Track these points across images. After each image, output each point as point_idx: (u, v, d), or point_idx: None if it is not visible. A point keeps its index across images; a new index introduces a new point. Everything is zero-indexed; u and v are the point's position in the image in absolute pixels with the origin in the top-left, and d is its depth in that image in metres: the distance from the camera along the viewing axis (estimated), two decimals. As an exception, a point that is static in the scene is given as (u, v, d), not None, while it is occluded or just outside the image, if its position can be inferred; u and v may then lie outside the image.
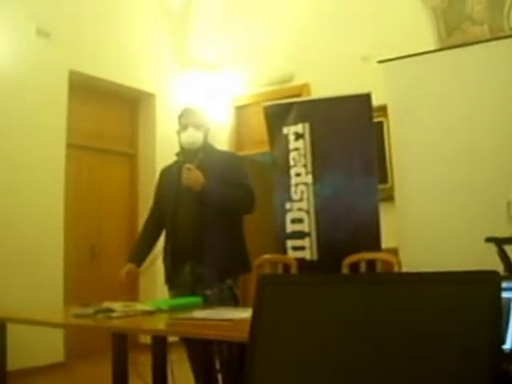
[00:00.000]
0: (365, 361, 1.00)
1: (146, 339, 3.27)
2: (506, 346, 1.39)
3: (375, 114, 4.47)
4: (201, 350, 3.07)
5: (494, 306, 0.96)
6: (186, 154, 3.29)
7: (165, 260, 3.29)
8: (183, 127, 3.30)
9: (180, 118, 3.36)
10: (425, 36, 5.04)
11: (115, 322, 2.46)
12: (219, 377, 3.14)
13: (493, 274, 1.00)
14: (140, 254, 3.39)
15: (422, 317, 0.99)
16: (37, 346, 4.72)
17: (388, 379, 0.97)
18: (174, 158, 3.44)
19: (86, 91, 5.91)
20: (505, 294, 1.50)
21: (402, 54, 4.34)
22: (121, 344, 2.63)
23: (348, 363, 1.01)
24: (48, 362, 4.95)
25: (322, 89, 5.45)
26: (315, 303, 1.13)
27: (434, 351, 0.95)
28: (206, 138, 3.32)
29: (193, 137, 3.25)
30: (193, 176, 3.08)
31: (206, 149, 3.35)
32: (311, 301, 1.14)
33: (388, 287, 1.08)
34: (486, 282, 0.99)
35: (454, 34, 4.94)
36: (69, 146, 5.51)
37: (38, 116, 5.19)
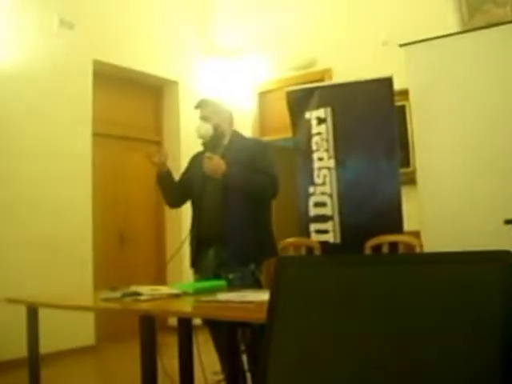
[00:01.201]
0: (382, 340, 1.00)
1: (174, 322, 3.35)
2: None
3: (397, 98, 4.45)
4: (225, 332, 3.14)
5: (506, 284, 0.98)
6: (211, 142, 3.35)
7: (191, 244, 3.37)
8: (198, 119, 3.39)
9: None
10: (447, 19, 4.99)
11: (142, 305, 2.52)
12: (244, 358, 3.21)
13: (506, 253, 1.01)
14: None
15: (438, 295, 1.00)
16: (69, 330, 4.86)
17: (405, 358, 0.97)
18: (198, 144, 3.50)
19: (111, 80, 6.00)
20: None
21: (424, 37, 4.30)
22: (148, 326, 2.69)
23: (365, 343, 1.02)
24: (79, 345, 5.09)
25: (345, 73, 5.44)
26: (332, 284, 1.12)
27: (449, 329, 0.96)
28: (218, 128, 3.33)
29: (201, 129, 3.31)
30: (212, 165, 3.14)
31: (232, 135, 3.41)
32: (329, 282, 1.13)
33: (404, 267, 1.08)
34: (499, 261, 1.00)
35: (476, 16, 4.89)
36: (95, 134, 5.61)
37: (65, 106, 5.28)
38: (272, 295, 1.23)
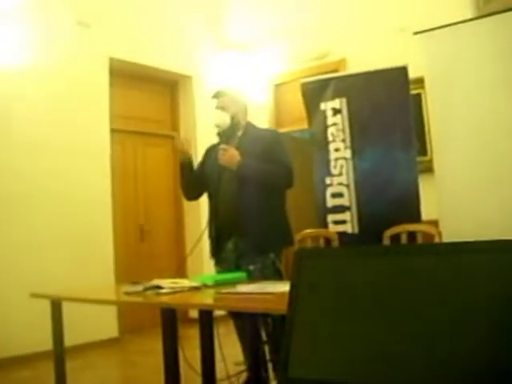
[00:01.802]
0: (403, 332, 1.00)
1: (195, 314, 3.40)
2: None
3: (413, 86, 4.43)
4: (247, 322, 3.17)
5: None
6: (225, 133, 3.38)
7: (210, 235, 3.41)
8: (215, 109, 3.41)
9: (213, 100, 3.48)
10: (462, 5, 4.95)
11: (164, 298, 2.56)
12: (266, 348, 3.25)
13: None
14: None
15: (460, 286, 0.98)
16: (92, 323, 4.94)
17: (429, 351, 0.97)
18: (214, 138, 3.53)
19: (127, 77, 6.05)
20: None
21: (439, 24, 4.26)
22: (170, 319, 2.74)
23: (385, 334, 1.02)
24: (103, 338, 5.18)
25: (359, 63, 5.43)
26: (352, 275, 1.12)
27: (473, 322, 0.95)
28: (235, 118, 3.37)
29: (217, 119, 3.35)
30: (228, 156, 3.17)
31: (246, 127, 3.43)
32: (348, 273, 1.14)
33: (424, 257, 1.09)
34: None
35: (491, 1, 4.83)
36: (112, 130, 5.66)
37: (83, 104, 5.35)
38: (292, 287, 1.24)
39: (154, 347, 3.67)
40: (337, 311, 1.15)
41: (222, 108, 3.37)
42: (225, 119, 3.34)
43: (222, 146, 3.22)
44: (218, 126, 3.36)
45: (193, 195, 3.62)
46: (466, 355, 0.96)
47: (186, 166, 3.44)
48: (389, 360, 1.03)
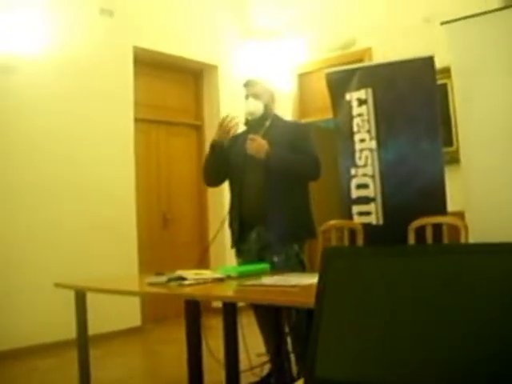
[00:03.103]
0: (431, 332, 1.01)
1: (218, 304, 3.40)
2: None
3: (439, 76, 4.37)
4: (270, 314, 3.17)
5: None
6: (253, 123, 3.36)
7: (231, 226, 3.40)
8: (245, 98, 3.40)
9: (243, 89, 3.46)
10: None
11: (187, 290, 2.56)
12: (288, 340, 3.24)
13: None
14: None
15: (489, 288, 1.00)
16: (116, 312, 4.98)
17: (455, 353, 0.98)
18: (239, 127, 3.51)
19: (151, 66, 6.05)
20: None
21: (466, 13, 4.19)
22: (193, 309, 2.75)
23: (412, 334, 1.02)
24: (126, 327, 5.22)
25: (385, 53, 5.37)
26: (380, 275, 1.14)
27: (499, 323, 0.93)
28: (268, 107, 3.37)
29: (251, 107, 3.33)
30: (256, 146, 3.16)
31: (273, 118, 3.42)
32: (376, 273, 1.15)
33: (454, 257, 1.07)
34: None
35: (519, -10, 4.74)
36: (136, 119, 5.68)
37: (107, 93, 5.37)
38: (319, 286, 1.22)
39: (176, 337, 3.69)
40: (364, 311, 1.14)
41: (254, 96, 3.36)
42: (259, 107, 3.34)
43: (251, 136, 3.21)
44: (251, 114, 3.35)
45: (215, 181, 3.60)
46: (499, 358, 0.94)
47: (217, 147, 3.39)
48: (417, 361, 1.02)
